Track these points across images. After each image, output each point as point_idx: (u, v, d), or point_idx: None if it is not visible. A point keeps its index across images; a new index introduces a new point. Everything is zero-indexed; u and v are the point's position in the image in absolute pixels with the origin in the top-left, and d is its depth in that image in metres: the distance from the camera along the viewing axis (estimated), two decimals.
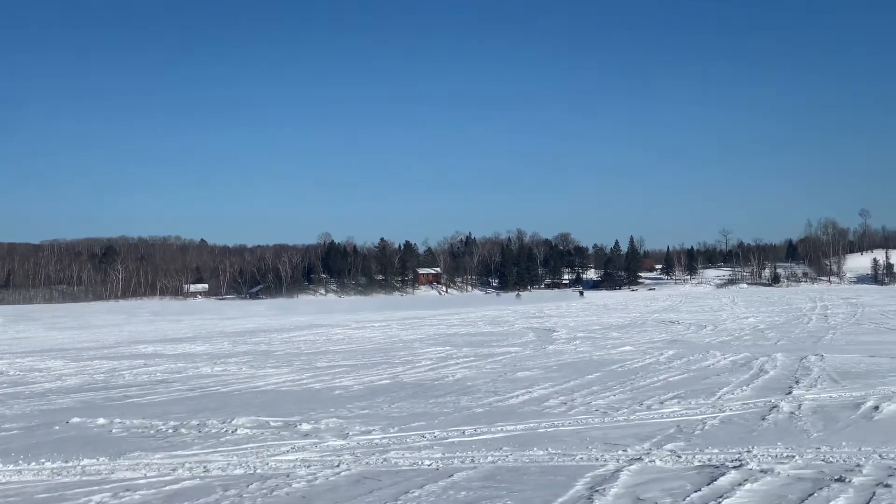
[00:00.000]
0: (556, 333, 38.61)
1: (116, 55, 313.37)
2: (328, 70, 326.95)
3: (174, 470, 11.28)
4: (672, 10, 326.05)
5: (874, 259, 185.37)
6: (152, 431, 14.44)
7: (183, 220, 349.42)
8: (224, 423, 14.94)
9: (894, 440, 12.06)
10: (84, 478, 11.02)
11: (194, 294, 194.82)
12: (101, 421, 15.54)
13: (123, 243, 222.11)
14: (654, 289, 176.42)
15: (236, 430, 14.27)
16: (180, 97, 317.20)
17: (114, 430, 14.65)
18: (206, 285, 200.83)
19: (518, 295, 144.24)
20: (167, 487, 10.39)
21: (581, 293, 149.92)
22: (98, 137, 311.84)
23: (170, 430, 14.42)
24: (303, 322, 60.61)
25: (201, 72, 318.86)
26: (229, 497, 9.88)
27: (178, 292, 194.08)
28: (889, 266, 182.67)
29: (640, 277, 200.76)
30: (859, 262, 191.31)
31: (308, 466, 11.34)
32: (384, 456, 11.87)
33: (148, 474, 11.11)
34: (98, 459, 12.01)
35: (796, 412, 14.82)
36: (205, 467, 11.41)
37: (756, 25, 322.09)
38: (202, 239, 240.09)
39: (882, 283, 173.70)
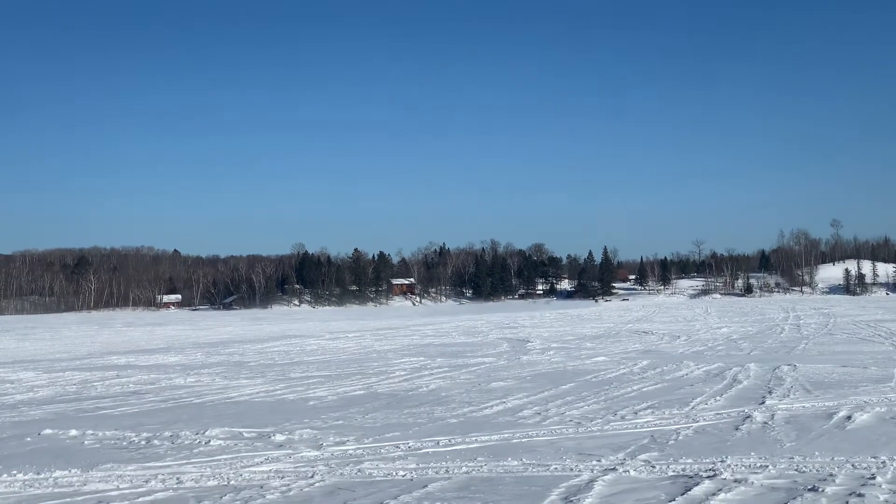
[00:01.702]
0: (530, 344, 38.66)
1: (88, 65, 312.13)
2: (303, 78, 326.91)
3: (147, 482, 11.23)
4: (640, 27, 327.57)
5: (846, 269, 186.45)
6: (125, 443, 14.37)
7: (156, 230, 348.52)
8: (197, 434, 14.88)
9: (867, 450, 12.13)
10: (56, 490, 10.95)
11: (167, 305, 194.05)
12: (73, 433, 15.45)
13: (96, 254, 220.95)
14: (627, 299, 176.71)
15: (210, 441, 14.21)
16: (151, 106, 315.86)
17: (86, 442, 14.57)
18: (179, 296, 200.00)
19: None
20: (140, 499, 10.34)
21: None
22: (70, 147, 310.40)
23: (143, 442, 14.35)
24: (276, 333, 60.45)
25: (173, 80, 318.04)
26: None
27: (151, 303, 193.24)
28: (860, 276, 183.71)
29: (614, 288, 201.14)
30: (831, 273, 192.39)
31: (282, 477, 11.31)
32: (358, 467, 11.85)
33: (121, 486, 11.05)
34: (70, 471, 11.93)
35: (769, 422, 14.89)
36: (178, 479, 11.35)
37: (728, 38, 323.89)
38: (175, 249, 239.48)
39: (854, 293, 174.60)
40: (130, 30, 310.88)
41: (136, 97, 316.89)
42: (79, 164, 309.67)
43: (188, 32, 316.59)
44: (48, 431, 15.64)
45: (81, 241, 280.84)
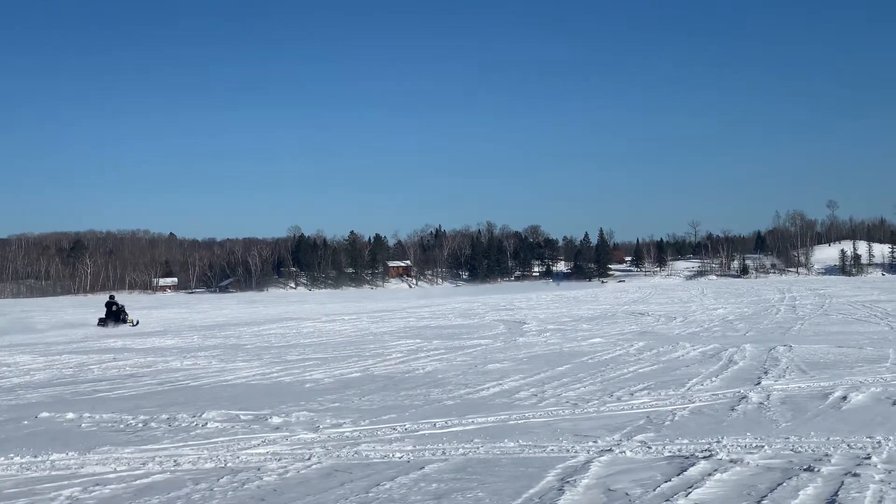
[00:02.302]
0: (526, 326, 38.67)
1: (81, 51, 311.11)
2: (297, 66, 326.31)
3: (144, 464, 11.24)
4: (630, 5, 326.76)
5: (842, 250, 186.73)
6: (122, 426, 14.37)
7: (152, 213, 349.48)
8: (194, 416, 14.89)
9: (862, 430, 12.16)
10: (53, 472, 10.96)
11: (163, 288, 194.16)
12: (70, 415, 15.45)
13: (92, 237, 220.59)
14: (623, 280, 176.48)
15: (206, 423, 14.23)
16: (148, 92, 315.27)
17: (83, 425, 14.57)
18: (175, 279, 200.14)
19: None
20: (137, 482, 10.35)
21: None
22: (65, 131, 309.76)
23: (139, 425, 14.35)
24: (272, 315, 60.45)
25: (169, 67, 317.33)
26: (200, 491, 9.85)
27: (147, 286, 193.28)
28: (856, 257, 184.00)
29: (610, 269, 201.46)
30: (827, 254, 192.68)
31: (279, 460, 11.32)
32: (355, 449, 11.87)
33: (118, 468, 11.06)
34: (67, 454, 11.93)
35: (765, 402, 14.91)
36: (175, 461, 11.37)
37: (722, 20, 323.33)
38: (171, 233, 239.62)
39: (849, 274, 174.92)
40: (125, 21, 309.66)
41: (134, 83, 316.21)
42: (74, 148, 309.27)
43: (187, 21, 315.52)
44: (45, 414, 15.63)
45: (77, 225, 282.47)
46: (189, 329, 44.67)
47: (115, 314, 50.12)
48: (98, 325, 49.19)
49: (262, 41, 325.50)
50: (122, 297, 70.25)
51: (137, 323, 49.67)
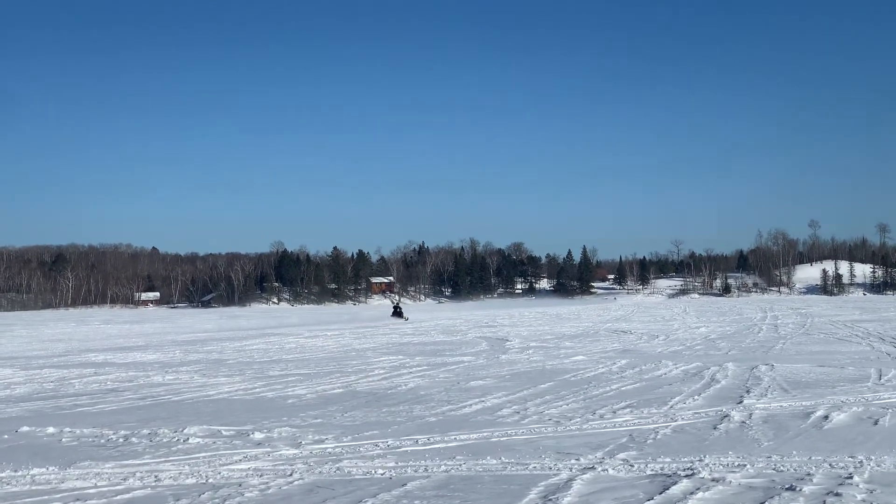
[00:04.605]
0: (508, 343, 38.68)
1: (64, 59, 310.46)
2: (279, 75, 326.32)
3: (125, 479, 11.19)
4: (622, 29, 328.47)
5: (823, 270, 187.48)
6: (103, 440, 14.32)
7: (134, 227, 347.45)
8: (175, 432, 14.84)
9: (844, 449, 12.20)
10: (34, 487, 10.91)
11: (145, 302, 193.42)
12: (50, 430, 15.39)
13: (74, 251, 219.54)
14: (616, 298, 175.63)
15: (188, 439, 14.18)
16: (130, 104, 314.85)
17: (64, 440, 14.52)
18: (157, 293, 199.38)
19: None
20: (118, 497, 10.31)
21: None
22: (47, 143, 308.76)
23: (120, 440, 14.30)
24: (255, 330, 60.33)
25: (155, 80, 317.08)
26: None
27: (129, 300, 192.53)
28: (838, 277, 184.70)
29: (593, 287, 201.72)
30: (808, 273, 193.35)
31: (261, 475, 11.29)
32: (337, 465, 11.85)
33: (98, 483, 11.01)
34: (48, 468, 11.89)
35: (747, 421, 14.95)
36: (156, 476, 11.32)
37: (703, 41, 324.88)
38: (154, 247, 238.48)
39: (831, 293, 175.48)
40: (107, 27, 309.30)
41: (115, 96, 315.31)
42: (56, 161, 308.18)
43: (166, 29, 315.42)
44: (25, 429, 15.57)
45: (59, 239, 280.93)
46: (171, 344, 44.56)
47: (398, 312, 75.35)
48: (391, 316, 75.35)
49: (244, 46, 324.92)
50: (103, 311, 70.76)
51: (408, 319, 71.78)
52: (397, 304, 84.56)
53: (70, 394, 21.58)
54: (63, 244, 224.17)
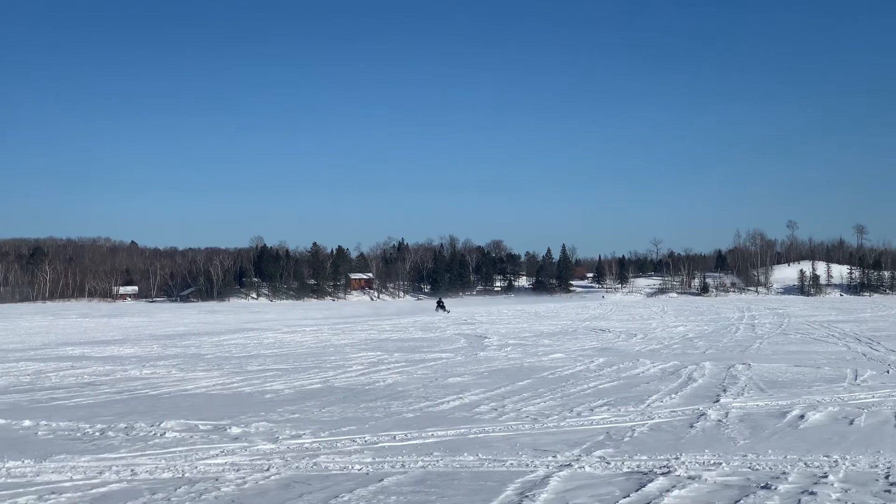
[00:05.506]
0: (487, 340, 38.69)
1: (42, 53, 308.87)
2: (257, 73, 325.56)
3: (101, 473, 11.16)
4: (608, 27, 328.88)
5: (801, 270, 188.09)
6: (79, 434, 14.27)
7: (113, 221, 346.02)
8: (152, 426, 14.81)
9: (819, 448, 12.27)
10: (9, 480, 10.87)
11: (124, 296, 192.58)
12: (26, 423, 15.34)
13: (52, 244, 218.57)
14: (604, 296, 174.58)
15: (165, 433, 14.15)
16: (109, 99, 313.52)
17: (40, 433, 14.46)
18: (135, 288, 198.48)
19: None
20: (94, 490, 10.28)
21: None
22: (25, 136, 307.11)
23: (97, 433, 14.26)
24: (233, 325, 60.19)
25: (130, 73, 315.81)
26: (157, 501, 9.79)
27: (107, 294, 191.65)
28: (815, 277, 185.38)
29: (572, 285, 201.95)
30: (786, 273, 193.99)
31: (237, 470, 11.28)
32: (314, 460, 11.85)
33: (74, 477, 10.98)
34: (23, 462, 11.85)
35: (724, 420, 15.01)
36: (132, 470, 11.29)
37: (683, 42, 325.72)
38: (132, 241, 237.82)
39: (808, 293, 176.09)
40: (90, 24, 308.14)
41: (94, 91, 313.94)
42: (35, 154, 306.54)
43: (148, 24, 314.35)
44: (1, 422, 15.52)
45: (37, 232, 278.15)
46: (149, 338, 44.40)
47: (442, 305, 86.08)
48: (436, 309, 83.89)
49: (230, 44, 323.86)
50: (81, 305, 70.54)
51: (449, 311, 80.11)
52: (440, 299, 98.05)
53: (46, 387, 21.50)
54: (41, 237, 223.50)
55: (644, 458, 11.77)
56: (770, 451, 12.07)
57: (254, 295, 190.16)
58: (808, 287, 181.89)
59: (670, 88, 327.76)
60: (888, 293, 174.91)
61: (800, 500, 9.43)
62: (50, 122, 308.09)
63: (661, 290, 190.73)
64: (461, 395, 18.75)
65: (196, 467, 11.48)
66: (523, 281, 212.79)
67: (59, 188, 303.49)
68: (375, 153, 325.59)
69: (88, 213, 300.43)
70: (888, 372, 22.76)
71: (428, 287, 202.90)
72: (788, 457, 11.70)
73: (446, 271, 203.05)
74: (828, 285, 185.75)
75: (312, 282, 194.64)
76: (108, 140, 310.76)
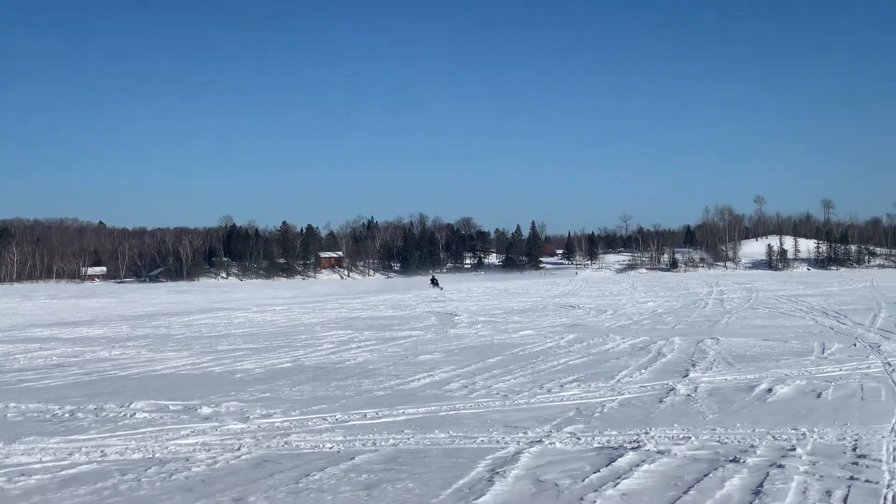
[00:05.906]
0: (457, 317, 38.73)
1: (17, 37, 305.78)
2: (225, 52, 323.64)
3: (70, 454, 11.12)
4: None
5: (769, 245, 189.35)
6: (48, 416, 14.21)
7: (80, 201, 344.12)
8: (122, 407, 14.76)
9: (787, 422, 12.36)
10: None
11: (92, 277, 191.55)
12: None
13: (18, 225, 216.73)
14: (577, 272, 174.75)
15: (134, 414, 14.11)
16: (74, 75, 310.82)
17: (8, 415, 14.39)
18: (104, 268, 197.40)
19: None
20: (63, 472, 10.24)
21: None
22: None
23: (66, 415, 14.20)
24: (203, 305, 59.98)
25: (100, 51, 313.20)
26: (127, 481, 9.77)
27: (75, 275, 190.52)
28: (783, 252, 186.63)
29: (542, 262, 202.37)
30: (754, 248, 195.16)
31: (208, 450, 11.26)
32: (285, 439, 11.85)
33: (44, 459, 10.94)
34: None
35: (693, 395, 15.11)
36: (102, 452, 11.26)
37: (653, 19, 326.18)
38: (100, 221, 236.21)
39: (776, 268, 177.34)
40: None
41: (59, 69, 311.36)
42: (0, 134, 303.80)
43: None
44: None
45: (4, 213, 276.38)
46: (118, 319, 44.22)
47: (436, 283, 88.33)
48: (430, 286, 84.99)
49: (202, 24, 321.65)
50: (48, 286, 70.28)
51: (443, 289, 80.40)
52: (433, 276, 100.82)
53: (15, 369, 21.39)
54: (8, 218, 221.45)
55: (614, 433, 11.84)
56: (738, 425, 12.16)
57: (223, 274, 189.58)
58: (775, 262, 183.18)
59: (635, 63, 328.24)
60: (855, 267, 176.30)
61: (768, 473, 9.50)
62: (15, 103, 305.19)
63: (631, 266, 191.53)
64: (432, 373, 18.78)
65: (166, 448, 11.46)
66: (493, 258, 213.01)
67: (24, 168, 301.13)
68: (344, 130, 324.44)
69: (56, 194, 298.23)
70: (855, 345, 22.94)
71: (398, 265, 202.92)
72: (756, 430, 11.79)
73: (416, 249, 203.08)
74: (795, 259, 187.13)
75: (282, 261, 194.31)
76: (73, 119, 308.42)
